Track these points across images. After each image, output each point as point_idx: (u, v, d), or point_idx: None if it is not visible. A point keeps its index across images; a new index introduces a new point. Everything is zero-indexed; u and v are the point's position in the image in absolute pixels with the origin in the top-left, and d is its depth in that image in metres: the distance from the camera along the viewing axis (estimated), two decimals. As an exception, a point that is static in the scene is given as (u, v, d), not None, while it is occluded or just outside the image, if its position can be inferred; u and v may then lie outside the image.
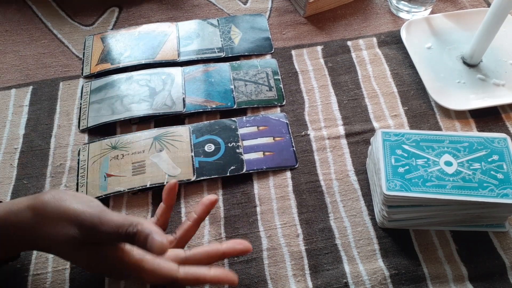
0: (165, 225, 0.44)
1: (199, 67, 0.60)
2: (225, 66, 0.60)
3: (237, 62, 0.61)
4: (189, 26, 0.64)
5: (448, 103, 0.55)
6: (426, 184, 0.43)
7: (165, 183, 0.49)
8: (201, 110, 0.56)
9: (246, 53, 0.62)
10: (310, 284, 0.44)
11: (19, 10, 0.67)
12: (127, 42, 0.62)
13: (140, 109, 0.55)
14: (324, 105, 0.57)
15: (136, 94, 0.56)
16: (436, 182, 0.43)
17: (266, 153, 0.53)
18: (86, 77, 0.60)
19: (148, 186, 0.49)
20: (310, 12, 0.66)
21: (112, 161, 0.51)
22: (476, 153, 0.45)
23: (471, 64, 0.60)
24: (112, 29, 0.65)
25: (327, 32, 0.65)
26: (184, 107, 0.55)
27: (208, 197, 0.44)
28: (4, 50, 0.63)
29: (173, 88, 0.57)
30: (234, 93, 0.57)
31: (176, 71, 0.59)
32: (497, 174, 0.43)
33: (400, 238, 0.47)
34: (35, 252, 0.46)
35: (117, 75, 0.59)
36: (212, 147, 0.53)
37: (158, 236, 0.35)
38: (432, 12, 0.67)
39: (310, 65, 0.61)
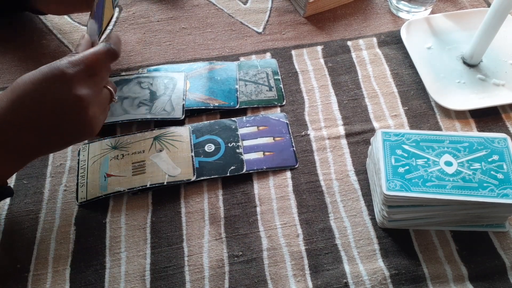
0: None
1: (206, 65, 0.60)
2: (233, 65, 0.60)
3: (238, 62, 0.61)
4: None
5: (448, 103, 0.55)
6: (426, 184, 0.43)
7: (165, 183, 0.49)
8: (203, 107, 0.56)
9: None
10: (310, 284, 0.44)
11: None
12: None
13: (139, 113, 0.55)
14: (324, 105, 0.57)
15: (136, 96, 0.56)
16: (436, 182, 0.43)
17: (266, 153, 0.53)
18: None
19: (148, 186, 0.49)
20: (310, 12, 0.66)
21: (112, 161, 0.51)
22: (476, 153, 0.45)
23: (471, 64, 0.60)
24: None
25: (327, 32, 0.65)
26: (183, 114, 0.54)
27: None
28: (4, 50, 0.63)
29: (174, 93, 0.56)
30: (238, 93, 0.57)
31: (179, 75, 0.59)
32: (497, 174, 0.43)
33: (400, 238, 0.47)
34: (35, 252, 0.46)
35: (120, 76, 0.59)
36: (212, 147, 0.53)
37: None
38: (432, 12, 0.67)
39: (310, 65, 0.61)
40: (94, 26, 0.47)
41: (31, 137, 0.41)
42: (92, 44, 0.46)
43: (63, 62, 0.40)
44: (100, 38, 0.45)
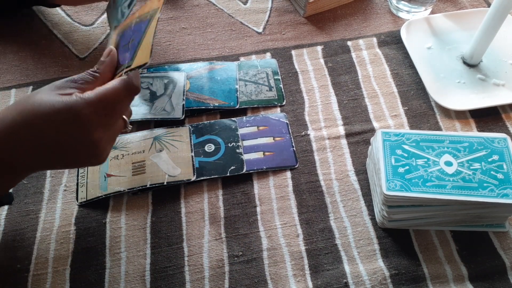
0: None
1: (206, 65, 0.60)
2: (233, 65, 0.60)
3: (238, 62, 0.61)
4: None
5: (448, 103, 0.55)
6: (426, 184, 0.43)
7: (165, 183, 0.49)
8: (203, 107, 0.56)
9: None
10: (310, 284, 0.44)
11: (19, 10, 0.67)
12: None
13: (139, 112, 0.55)
14: (324, 105, 0.57)
15: (137, 96, 0.56)
16: (436, 182, 0.43)
17: (266, 153, 0.53)
18: None
19: (148, 186, 0.49)
20: (310, 12, 0.66)
21: (112, 161, 0.51)
22: (476, 153, 0.45)
23: (471, 64, 0.60)
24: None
25: (327, 32, 0.65)
26: (183, 114, 0.54)
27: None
28: (4, 50, 0.63)
29: (174, 94, 0.57)
30: (238, 93, 0.57)
31: (179, 75, 0.59)
32: (497, 174, 0.43)
33: (400, 238, 0.47)
34: (35, 252, 0.46)
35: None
36: (212, 147, 0.53)
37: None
38: (432, 12, 0.67)
39: (310, 65, 0.61)
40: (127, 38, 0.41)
41: (32, 160, 0.39)
42: (118, 63, 0.42)
43: (79, 102, 0.36)
44: (123, 70, 0.40)
